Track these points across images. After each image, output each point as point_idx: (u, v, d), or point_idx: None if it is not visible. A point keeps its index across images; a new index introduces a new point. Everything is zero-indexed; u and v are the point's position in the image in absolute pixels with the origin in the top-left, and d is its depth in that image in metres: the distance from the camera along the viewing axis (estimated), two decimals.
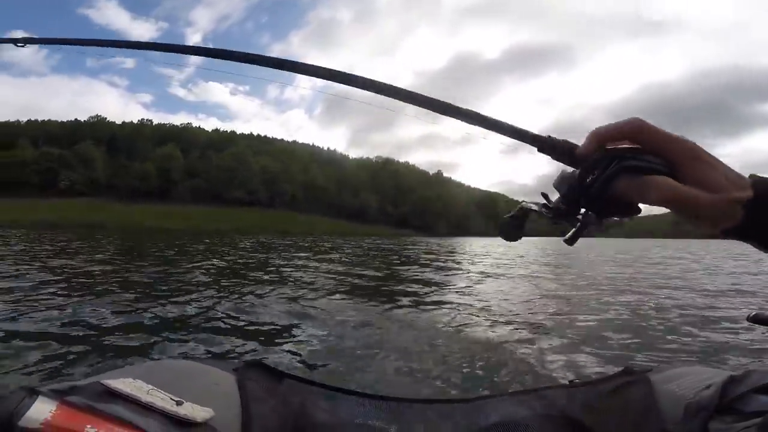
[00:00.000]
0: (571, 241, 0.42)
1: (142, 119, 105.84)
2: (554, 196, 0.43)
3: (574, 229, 0.41)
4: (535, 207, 0.43)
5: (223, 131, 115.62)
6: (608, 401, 0.72)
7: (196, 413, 0.48)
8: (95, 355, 2.50)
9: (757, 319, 0.99)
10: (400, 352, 2.75)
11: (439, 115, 0.45)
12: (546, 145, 0.41)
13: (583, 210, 0.40)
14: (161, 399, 0.47)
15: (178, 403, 0.47)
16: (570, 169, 0.41)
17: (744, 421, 0.51)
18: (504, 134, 0.43)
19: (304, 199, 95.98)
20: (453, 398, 0.86)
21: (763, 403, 0.51)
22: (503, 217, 0.46)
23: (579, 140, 0.41)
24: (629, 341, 3.14)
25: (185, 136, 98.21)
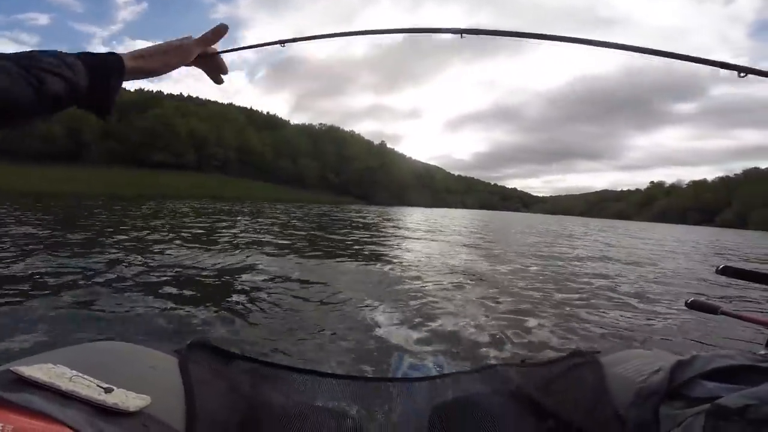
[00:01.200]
0: None
1: None
2: None
3: None
4: None
5: (147, 91, 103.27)
6: (561, 382, 0.72)
7: (129, 401, 0.43)
8: (7, 340, 2.12)
9: (694, 305, 1.08)
10: (356, 328, 2.64)
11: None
12: None
13: None
14: (86, 386, 0.41)
15: (107, 391, 0.42)
16: None
17: (692, 406, 0.52)
18: None
19: (237, 163, 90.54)
20: (412, 377, 0.85)
21: (709, 390, 0.52)
22: None
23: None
24: (572, 321, 3.15)
25: None
